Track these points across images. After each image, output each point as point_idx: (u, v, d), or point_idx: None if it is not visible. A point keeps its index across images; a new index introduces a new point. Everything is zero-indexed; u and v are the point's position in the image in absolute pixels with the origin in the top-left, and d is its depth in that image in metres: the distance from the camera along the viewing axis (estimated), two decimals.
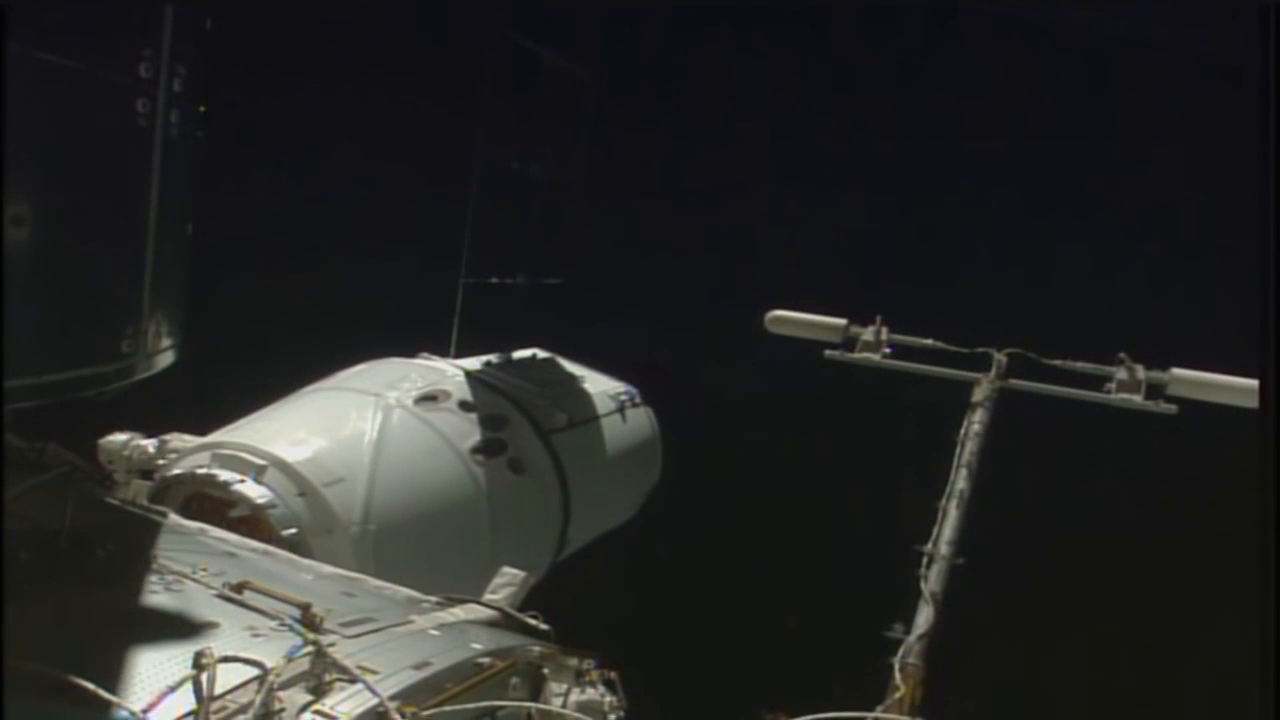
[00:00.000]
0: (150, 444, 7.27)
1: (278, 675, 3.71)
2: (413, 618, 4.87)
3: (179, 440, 7.70)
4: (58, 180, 3.66)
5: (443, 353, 10.43)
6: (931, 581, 7.22)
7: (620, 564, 12.56)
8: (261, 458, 7.41)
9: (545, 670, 4.71)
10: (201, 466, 7.37)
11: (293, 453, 7.57)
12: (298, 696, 3.74)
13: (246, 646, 3.93)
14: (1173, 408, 8.36)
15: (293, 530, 7.08)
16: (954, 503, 7.74)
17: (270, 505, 7.12)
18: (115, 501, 5.45)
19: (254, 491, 7.15)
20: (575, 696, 4.64)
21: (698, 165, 15.20)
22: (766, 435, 14.78)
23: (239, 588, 4.46)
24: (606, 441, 10.66)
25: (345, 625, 4.40)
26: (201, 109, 4.41)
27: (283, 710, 3.65)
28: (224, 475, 7.23)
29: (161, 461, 7.35)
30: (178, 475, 7.27)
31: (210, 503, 7.08)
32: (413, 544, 7.86)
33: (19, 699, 3.24)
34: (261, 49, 11.11)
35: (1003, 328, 9.16)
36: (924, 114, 14.23)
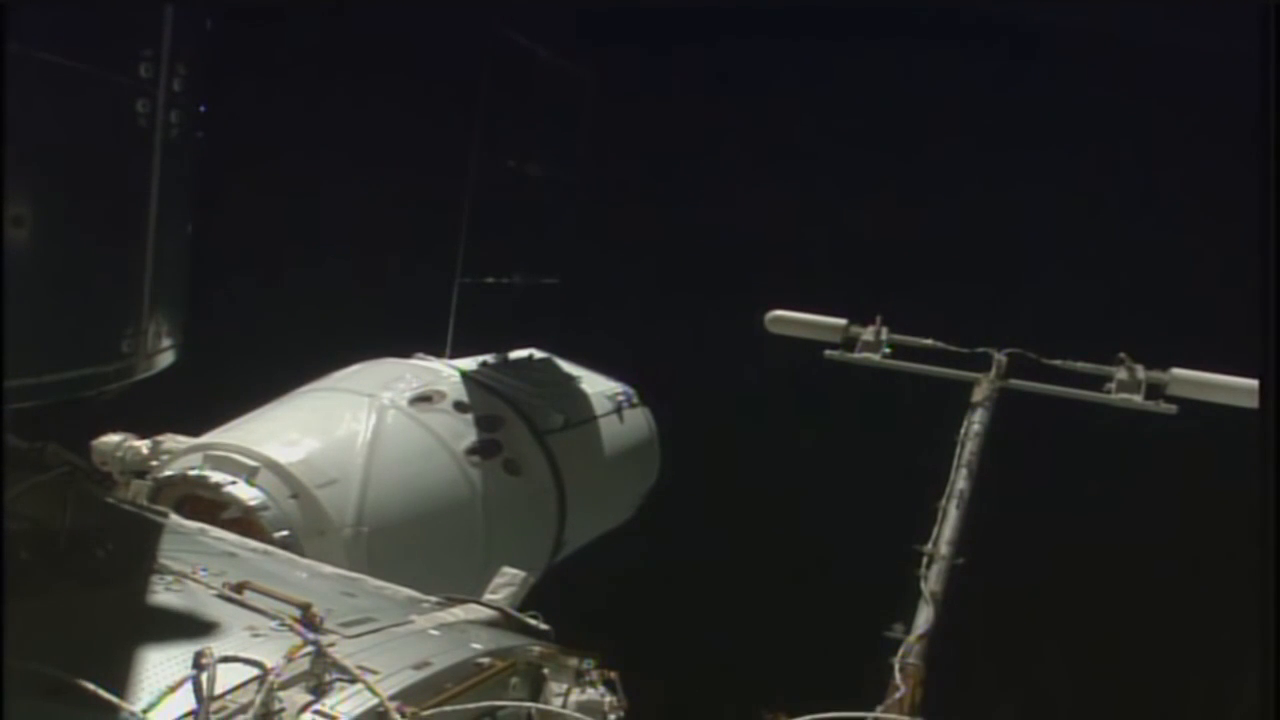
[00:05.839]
0: (144, 445, 7.29)
1: (278, 675, 3.71)
2: (413, 618, 4.87)
3: (172, 441, 7.69)
4: (58, 180, 3.65)
5: (438, 353, 10.42)
6: (931, 581, 7.23)
7: (620, 564, 12.55)
8: (254, 459, 7.40)
9: (545, 670, 4.71)
10: (194, 468, 7.35)
11: (285, 454, 7.56)
12: (298, 696, 3.74)
13: (246, 646, 3.92)
14: (1173, 408, 8.36)
15: (285, 532, 7.07)
16: (954, 503, 7.74)
17: (262, 507, 7.11)
18: (115, 501, 5.43)
19: (246, 493, 7.14)
20: (575, 696, 4.63)
21: (697, 164, 15.19)
22: (766, 435, 14.77)
23: (239, 588, 4.46)
24: (603, 442, 10.66)
25: (345, 625, 4.39)
26: (201, 109, 4.40)
27: (283, 710, 3.64)
28: (216, 477, 7.22)
29: (155, 463, 7.36)
30: (170, 477, 7.26)
31: (203, 504, 7.06)
32: (407, 546, 7.85)
33: (19, 699, 3.23)
34: (259, 49, 11.11)
35: (1003, 328, 9.17)
36: (924, 114, 14.23)
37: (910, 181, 14.31)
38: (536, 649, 4.85)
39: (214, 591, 4.42)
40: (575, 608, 6.08)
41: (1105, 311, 13.09)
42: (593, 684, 4.72)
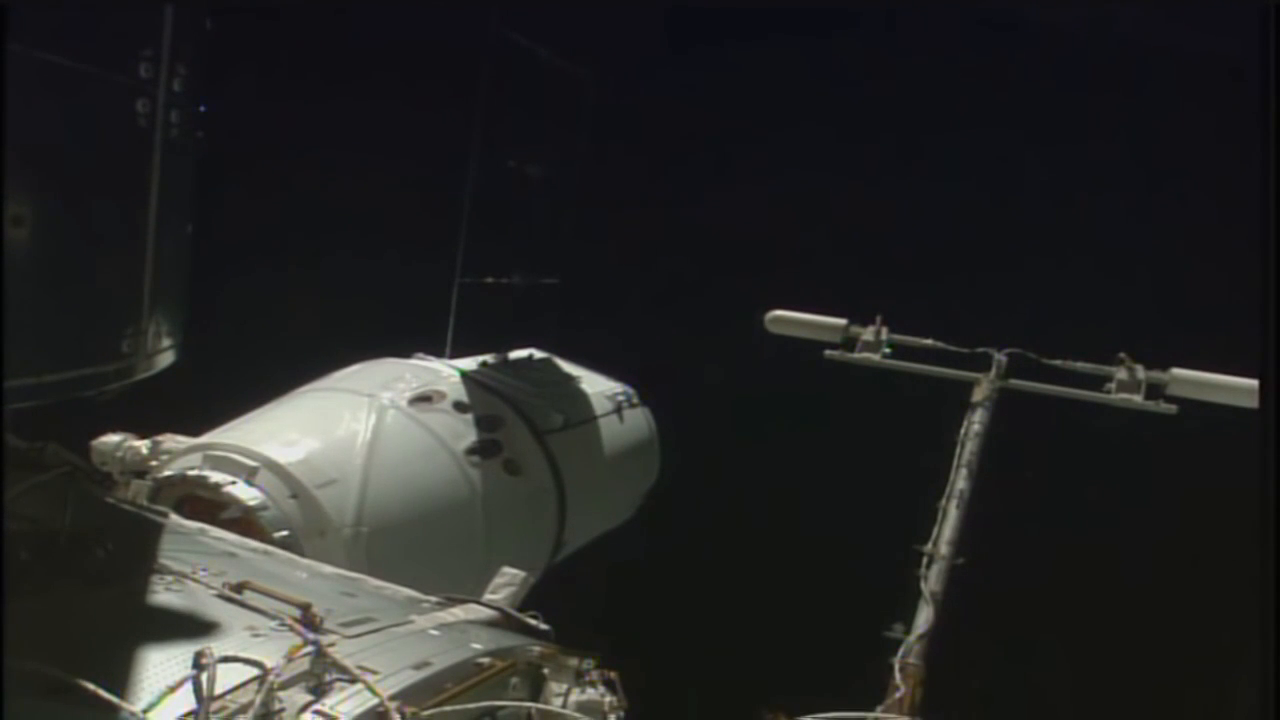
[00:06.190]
0: (143, 445, 7.29)
1: (278, 675, 3.71)
2: (413, 618, 4.87)
3: (172, 441, 7.69)
4: (58, 180, 3.65)
5: (438, 353, 10.41)
6: (931, 581, 7.23)
7: (621, 564, 12.55)
8: (253, 459, 7.39)
9: (545, 670, 4.71)
10: (193, 468, 7.34)
11: (285, 454, 7.55)
12: (298, 696, 3.74)
13: (246, 646, 3.92)
14: (1173, 408, 8.36)
15: (285, 532, 7.05)
16: (954, 503, 7.74)
17: (262, 507, 7.10)
18: (115, 501, 5.43)
19: (245, 493, 7.12)
20: (575, 696, 4.63)
21: (696, 164, 15.19)
22: (766, 435, 14.77)
23: (239, 588, 4.45)
24: (604, 442, 10.65)
25: (345, 625, 4.39)
26: (201, 109, 4.40)
27: (283, 710, 3.64)
28: (215, 477, 7.21)
29: (154, 463, 7.36)
30: (169, 477, 7.25)
31: (202, 504, 7.05)
32: (406, 546, 7.84)
33: (19, 699, 3.23)
34: (258, 49, 11.10)
35: (1003, 328, 9.17)
36: (924, 114, 14.23)
37: (911, 181, 14.32)
38: (536, 649, 4.85)
39: (214, 591, 4.42)
40: (575, 608, 6.08)
41: (1105, 311, 13.09)
42: (593, 684, 4.72)
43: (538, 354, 11.40)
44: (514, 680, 4.51)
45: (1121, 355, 8.57)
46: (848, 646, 7.45)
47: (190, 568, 4.57)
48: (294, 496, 7.34)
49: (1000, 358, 8.71)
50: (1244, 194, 5.10)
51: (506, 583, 5.85)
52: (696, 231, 15.26)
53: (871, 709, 6.32)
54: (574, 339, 12.17)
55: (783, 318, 9.47)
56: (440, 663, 4.25)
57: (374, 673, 3.94)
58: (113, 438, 7.40)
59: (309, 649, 3.92)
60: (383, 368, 9.64)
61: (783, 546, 14.36)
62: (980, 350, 8.75)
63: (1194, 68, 12.63)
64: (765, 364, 12.74)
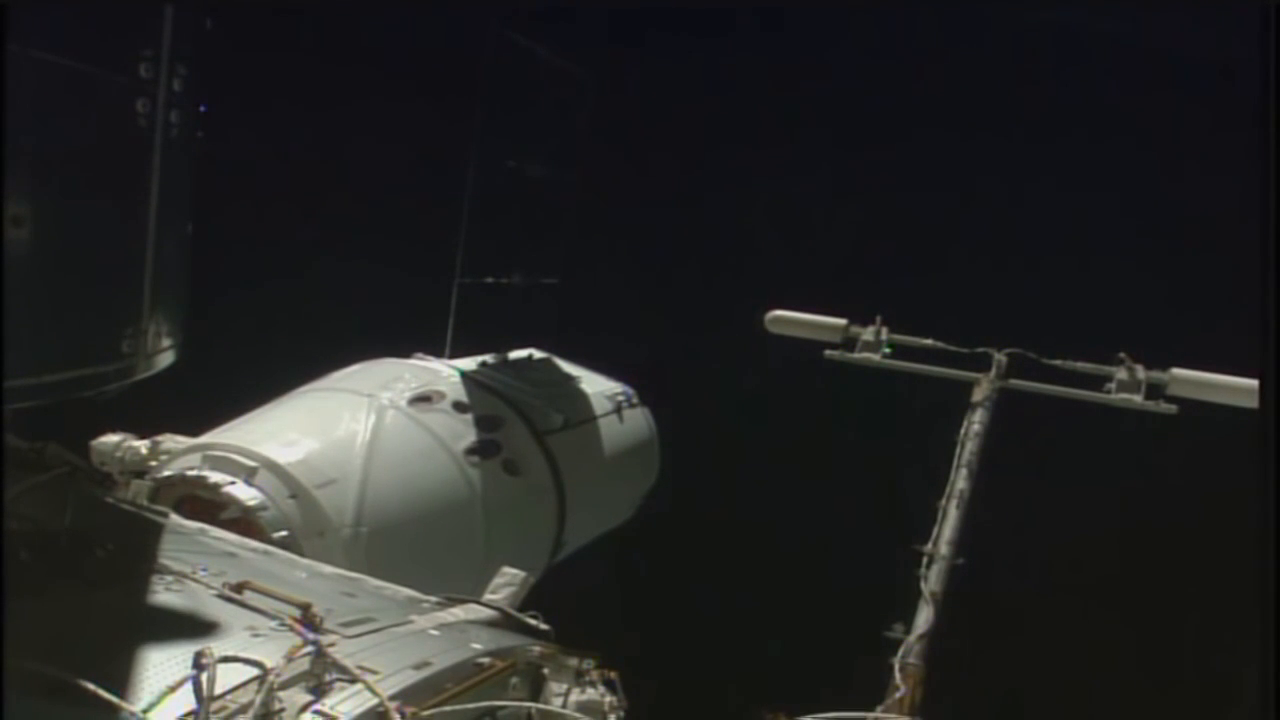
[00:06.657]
0: (142, 445, 7.28)
1: (278, 675, 3.70)
2: (413, 618, 4.87)
3: (171, 441, 7.68)
4: (58, 180, 3.65)
5: (438, 353, 10.40)
6: (931, 581, 7.23)
7: (621, 564, 12.54)
8: (253, 459, 7.38)
9: (545, 670, 4.71)
10: (192, 468, 7.33)
11: (284, 454, 7.54)
12: (298, 696, 3.73)
13: (246, 646, 3.92)
14: (1173, 408, 8.38)
15: (284, 533, 7.04)
16: (954, 503, 7.75)
17: (261, 507, 7.09)
18: (115, 501, 5.43)
19: (245, 493, 7.11)
20: (575, 696, 4.64)
21: (697, 164, 15.19)
22: (766, 435, 14.77)
23: (239, 588, 4.45)
24: (603, 442, 10.64)
25: (345, 625, 4.39)
26: (201, 109, 4.40)
27: (283, 710, 3.64)
28: (215, 477, 7.19)
29: (154, 463, 7.35)
30: (169, 477, 7.24)
31: (201, 504, 7.04)
32: (406, 547, 7.84)
33: (19, 699, 3.23)
34: (258, 49, 11.09)
35: (1003, 328, 9.17)
36: (924, 113, 14.24)
37: (911, 181, 14.32)
38: (536, 649, 4.85)
39: (214, 591, 4.41)
40: (575, 608, 6.08)
41: (1105, 311, 13.09)
42: (593, 684, 4.73)
43: (537, 354, 11.37)
44: (514, 680, 4.51)
45: (1121, 355, 8.58)
46: (848, 646, 7.46)
47: (190, 568, 4.57)
48: (293, 497, 7.34)
49: (1000, 358, 8.72)
50: (1244, 194, 5.10)
51: (506, 583, 5.84)
52: (696, 231, 15.27)
53: (871, 709, 6.32)
54: (574, 339, 12.15)
55: (783, 318, 9.48)
56: (440, 663, 4.25)
57: (374, 673, 3.94)
58: (113, 438, 7.40)
59: (309, 649, 3.92)
60: (382, 368, 9.62)
61: (782, 546, 14.36)
62: (980, 350, 8.76)
63: (1194, 68, 12.63)
64: (765, 364, 12.76)
